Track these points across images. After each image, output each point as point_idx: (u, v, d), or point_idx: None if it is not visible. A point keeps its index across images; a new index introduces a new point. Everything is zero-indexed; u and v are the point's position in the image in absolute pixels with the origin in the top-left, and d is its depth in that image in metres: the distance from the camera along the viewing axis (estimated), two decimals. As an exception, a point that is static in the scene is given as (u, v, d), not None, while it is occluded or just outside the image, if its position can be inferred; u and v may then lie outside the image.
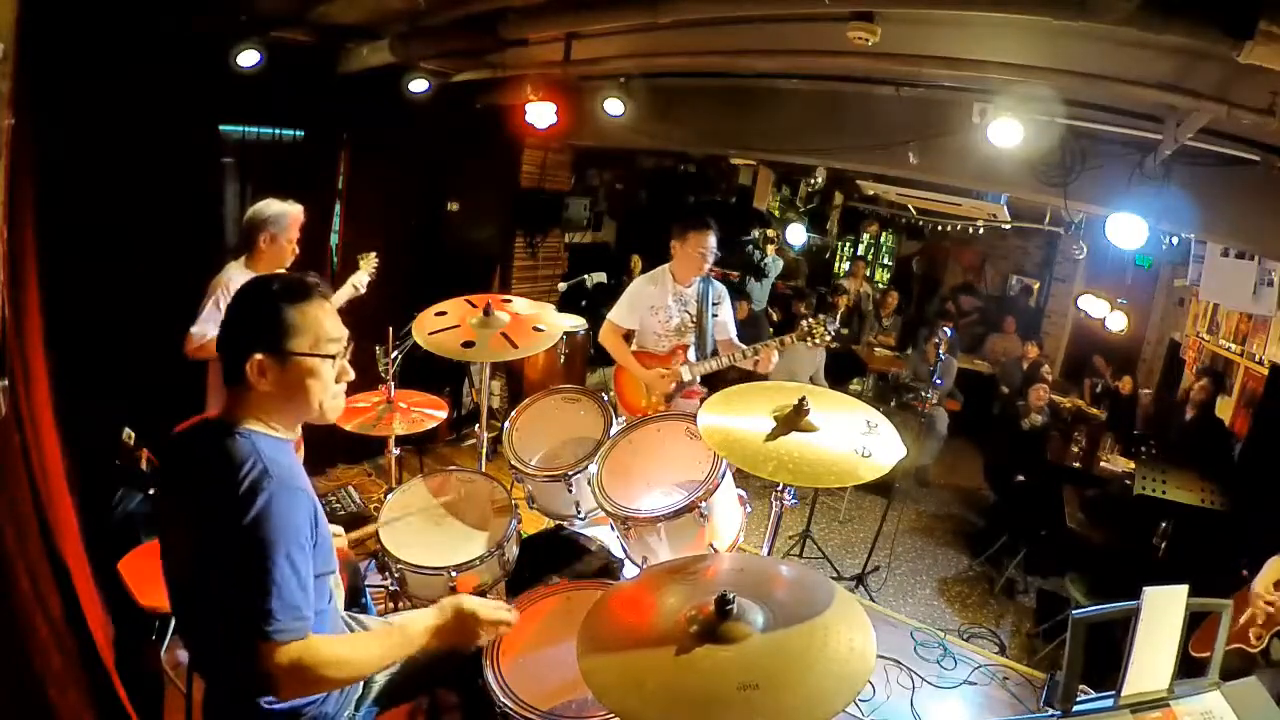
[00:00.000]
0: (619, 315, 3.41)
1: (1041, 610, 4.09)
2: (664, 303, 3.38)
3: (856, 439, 1.86)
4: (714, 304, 3.42)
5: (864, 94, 3.88)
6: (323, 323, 1.43)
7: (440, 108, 4.36)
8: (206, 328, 2.66)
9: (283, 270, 2.87)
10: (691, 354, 3.41)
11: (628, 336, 3.47)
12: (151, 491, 2.72)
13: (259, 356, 1.37)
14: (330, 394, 1.47)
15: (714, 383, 3.15)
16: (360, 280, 3.33)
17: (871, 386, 6.71)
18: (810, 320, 3.24)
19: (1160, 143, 3.06)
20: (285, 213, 2.84)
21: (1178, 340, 6.66)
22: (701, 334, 3.40)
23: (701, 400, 3.47)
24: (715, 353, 3.44)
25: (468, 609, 1.53)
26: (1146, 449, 4.25)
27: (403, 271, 4.68)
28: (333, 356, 1.45)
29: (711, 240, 3.30)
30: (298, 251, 2.91)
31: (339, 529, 1.79)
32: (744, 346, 3.34)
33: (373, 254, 3.41)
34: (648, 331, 3.42)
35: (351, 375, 1.51)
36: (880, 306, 8.37)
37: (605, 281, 6.94)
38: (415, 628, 1.48)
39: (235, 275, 2.75)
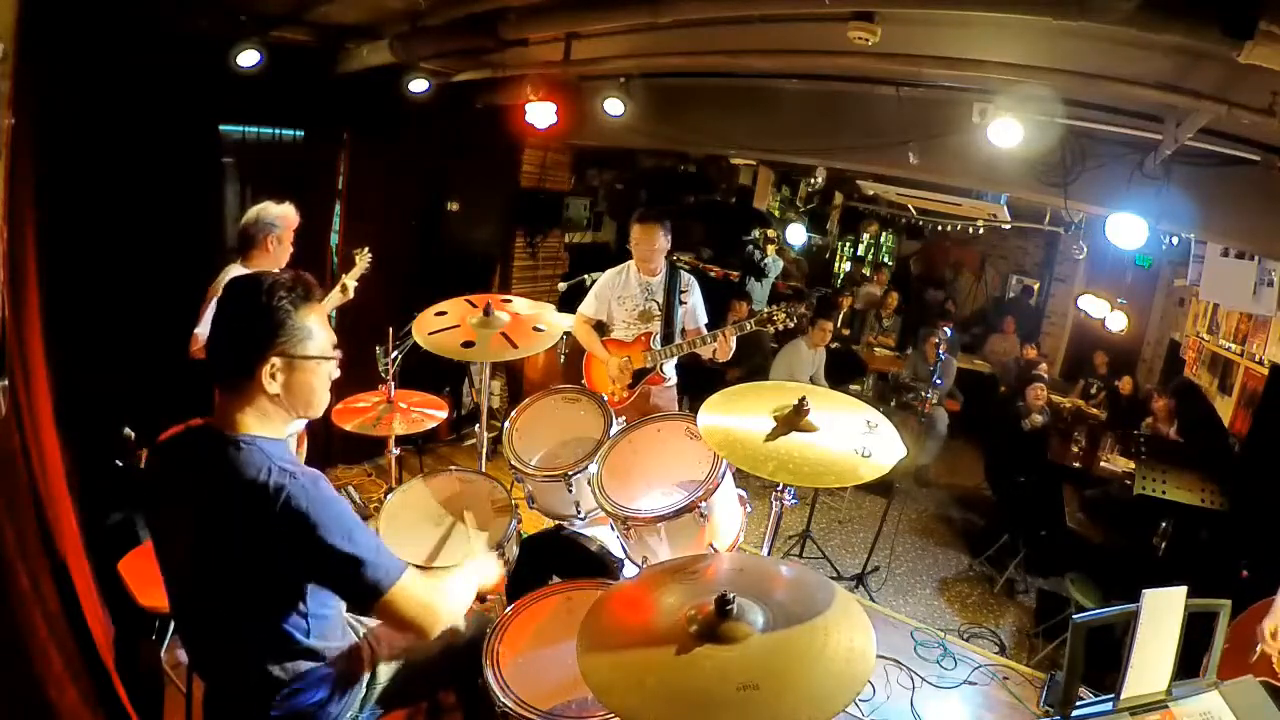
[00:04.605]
0: (586, 306, 3.60)
1: (1041, 610, 4.09)
2: (630, 292, 3.51)
3: (856, 439, 1.85)
4: (681, 291, 3.52)
5: (864, 94, 3.88)
6: (325, 326, 1.47)
7: (440, 108, 4.36)
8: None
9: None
10: (657, 342, 3.49)
11: (599, 327, 3.59)
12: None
13: (275, 360, 1.38)
14: (326, 395, 1.51)
15: (711, 382, 3.15)
16: (351, 283, 3.31)
17: (871, 386, 6.71)
18: (772, 308, 3.32)
19: (1160, 143, 3.06)
20: (285, 215, 2.87)
21: (1178, 340, 6.66)
22: (669, 322, 3.48)
23: (669, 387, 3.57)
24: (681, 340, 3.49)
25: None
26: (1144, 446, 4.24)
27: (403, 271, 4.69)
28: (333, 359, 1.48)
29: (656, 234, 3.37)
30: (291, 250, 2.92)
31: None
32: (706, 334, 3.41)
33: (366, 249, 3.42)
34: (616, 320, 3.55)
35: (337, 373, 1.53)
36: (880, 306, 8.36)
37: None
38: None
39: None
